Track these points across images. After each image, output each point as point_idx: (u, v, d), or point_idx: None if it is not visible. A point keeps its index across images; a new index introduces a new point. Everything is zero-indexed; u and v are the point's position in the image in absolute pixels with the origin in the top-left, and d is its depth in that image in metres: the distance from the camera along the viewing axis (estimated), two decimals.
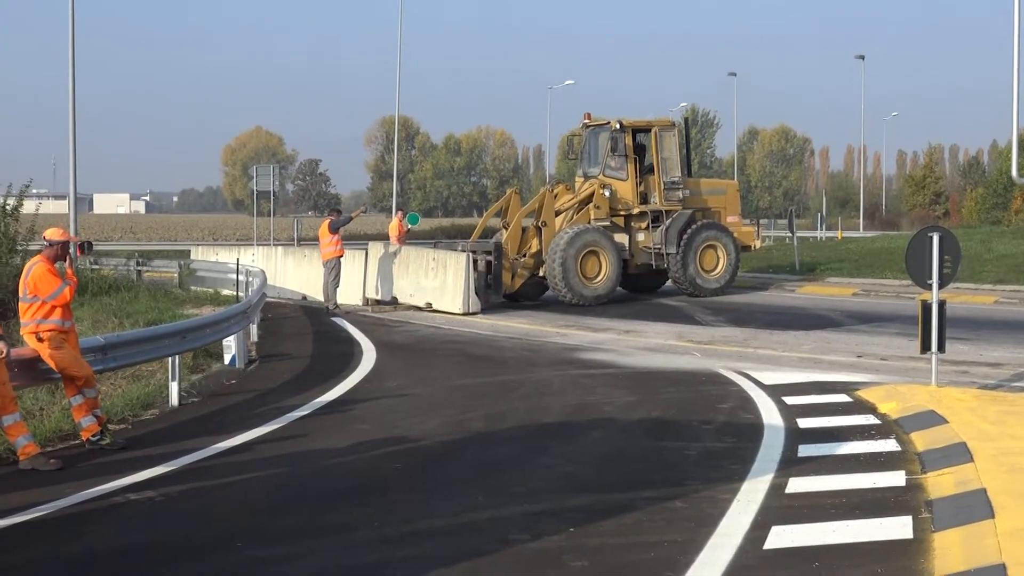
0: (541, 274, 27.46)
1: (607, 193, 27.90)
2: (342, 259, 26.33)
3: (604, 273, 26.95)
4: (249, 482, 9.87)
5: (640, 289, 29.70)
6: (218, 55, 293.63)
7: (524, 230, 27.57)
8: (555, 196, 28.06)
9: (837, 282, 32.77)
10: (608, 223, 27.91)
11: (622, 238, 28.08)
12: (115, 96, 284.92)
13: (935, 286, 13.07)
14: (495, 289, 26.25)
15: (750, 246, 31.23)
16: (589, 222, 27.54)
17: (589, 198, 27.90)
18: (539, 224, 27.45)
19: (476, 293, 25.10)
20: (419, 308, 25.77)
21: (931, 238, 13.14)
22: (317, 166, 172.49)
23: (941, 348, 13.22)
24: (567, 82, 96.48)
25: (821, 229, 62.54)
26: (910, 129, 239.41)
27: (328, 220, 26.65)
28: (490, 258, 26.20)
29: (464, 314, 24.54)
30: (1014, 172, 25.17)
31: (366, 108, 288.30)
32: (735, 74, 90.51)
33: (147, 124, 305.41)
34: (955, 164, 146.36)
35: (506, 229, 27.63)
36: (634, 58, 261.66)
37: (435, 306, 25.39)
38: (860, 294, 29.72)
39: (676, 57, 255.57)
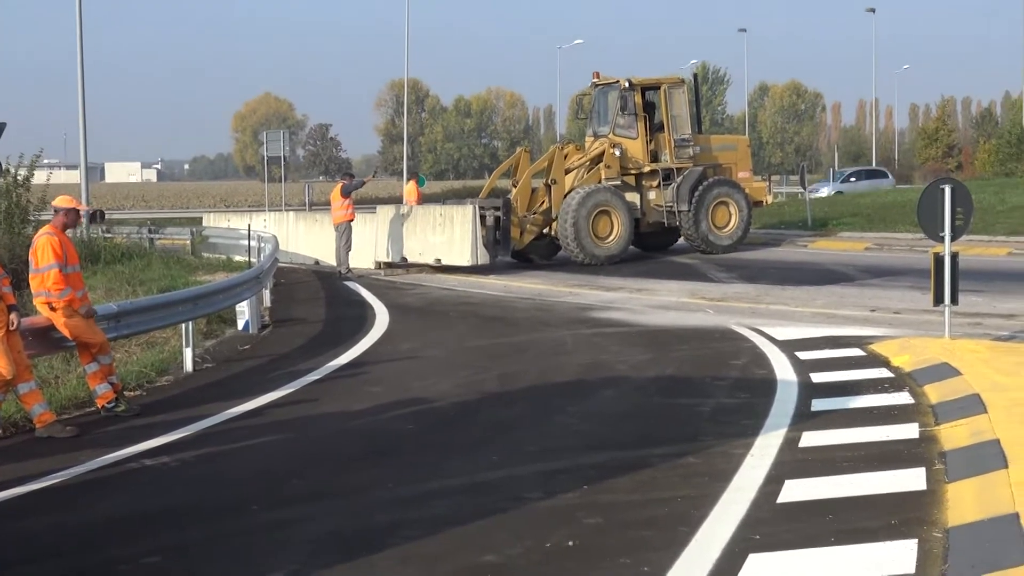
0: (549, 232, 27.42)
1: (617, 152, 27.79)
2: (353, 223, 26.34)
3: (616, 232, 26.88)
4: (263, 446, 9.92)
5: (652, 248, 29.64)
6: (226, 20, 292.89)
7: (534, 190, 27.51)
8: (565, 155, 27.99)
9: (849, 237, 32.68)
10: (619, 182, 27.81)
11: (633, 197, 27.99)
12: (124, 64, 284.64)
13: (947, 238, 13.02)
14: (503, 245, 26.21)
15: (762, 202, 31.14)
16: (600, 182, 27.45)
17: (599, 157, 27.79)
18: (549, 182, 27.38)
19: (485, 247, 25.12)
20: (429, 266, 25.82)
21: (943, 190, 13.07)
22: (327, 131, 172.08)
23: (954, 300, 13.17)
24: (576, 41, 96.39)
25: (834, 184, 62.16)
26: (922, 82, 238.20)
27: (340, 184, 26.69)
28: (499, 214, 26.16)
29: (472, 267, 24.60)
30: None
31: (375, 71, 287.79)
32: (745, 30, 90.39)
33: (157, 92, 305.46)
34: (968, 116, 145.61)
35: (515, 187, 27.59)
36: (643, 16, 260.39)
37: (444, 261, 25.42)
38: (873, 248, 29.65)
39: (685, 14, 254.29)
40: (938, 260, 13.10)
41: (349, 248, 26.08)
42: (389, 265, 26.88)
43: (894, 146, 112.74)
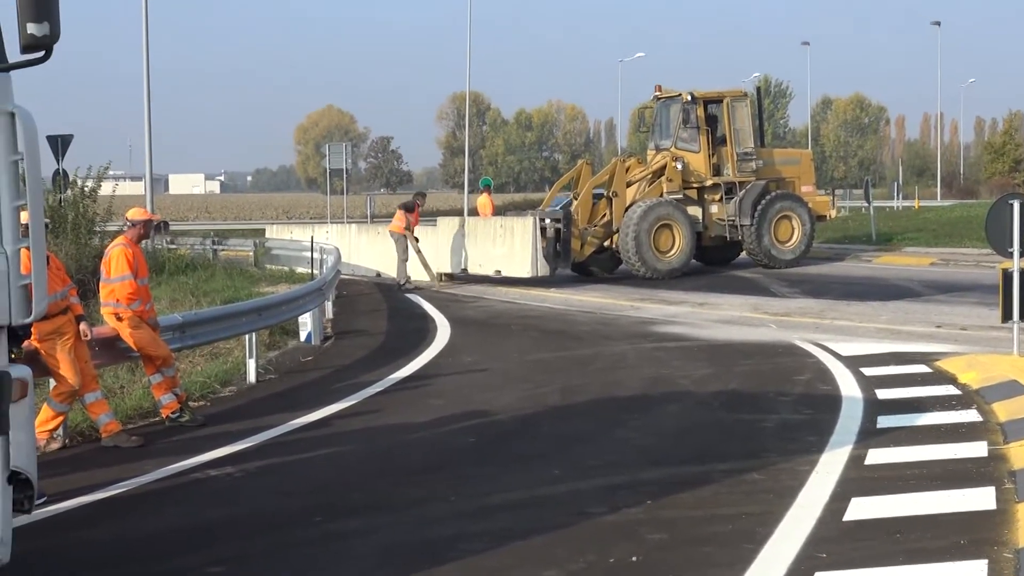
0: (609, 245, 27.35)
1: (679, 165, 27.68)
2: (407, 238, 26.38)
3: (678, 246, 26.77)
4: (326, 457, 9.94)
5: (714, 261, 29.48)
6: (289, 33, 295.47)
7: (595, 203, 27.47)
8: (627, 169, 27.93)
9: (914, 252, 32.33)
10: (681, 196, 27.69)
11: (695, 211, 27.86)
12: (189, 77, 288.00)
13: (1016, 254, 12.81)
14: (563, 257, 26.15)
15: (825, 216, 30.91)
16: (661, 195, 27.36)
17: (661, 170, 27.71)
18: (610, 194, 27.33)
19: (545, 258, 25.10)
20: (489, 276, 25.86)
21: (1012, 205, 12.88)
22: (389, 143, 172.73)
23: (1023, 317, 12.97)
24: (637, 55, 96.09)
25: (898, 198, 61.61)
26: (988, 95, 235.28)
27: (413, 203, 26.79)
28: (559, 226, 26.11)
29: (533, 279, 24.60)
30: None
31: (437, 84, 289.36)
32: (808, 43, 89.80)
33: (221, 105, 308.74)
34: None
35: (576, 199, 27.55)
36: (705, 29, 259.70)
37: (504, 272, 25.47)
38: (938, 263, 29.29)
39: (748, 27, 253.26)
40: (1007, 276, 12.90)
41: (405, 259, 26.07)
42: (450, 277, 26.94)
43: (959, 160, 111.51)
